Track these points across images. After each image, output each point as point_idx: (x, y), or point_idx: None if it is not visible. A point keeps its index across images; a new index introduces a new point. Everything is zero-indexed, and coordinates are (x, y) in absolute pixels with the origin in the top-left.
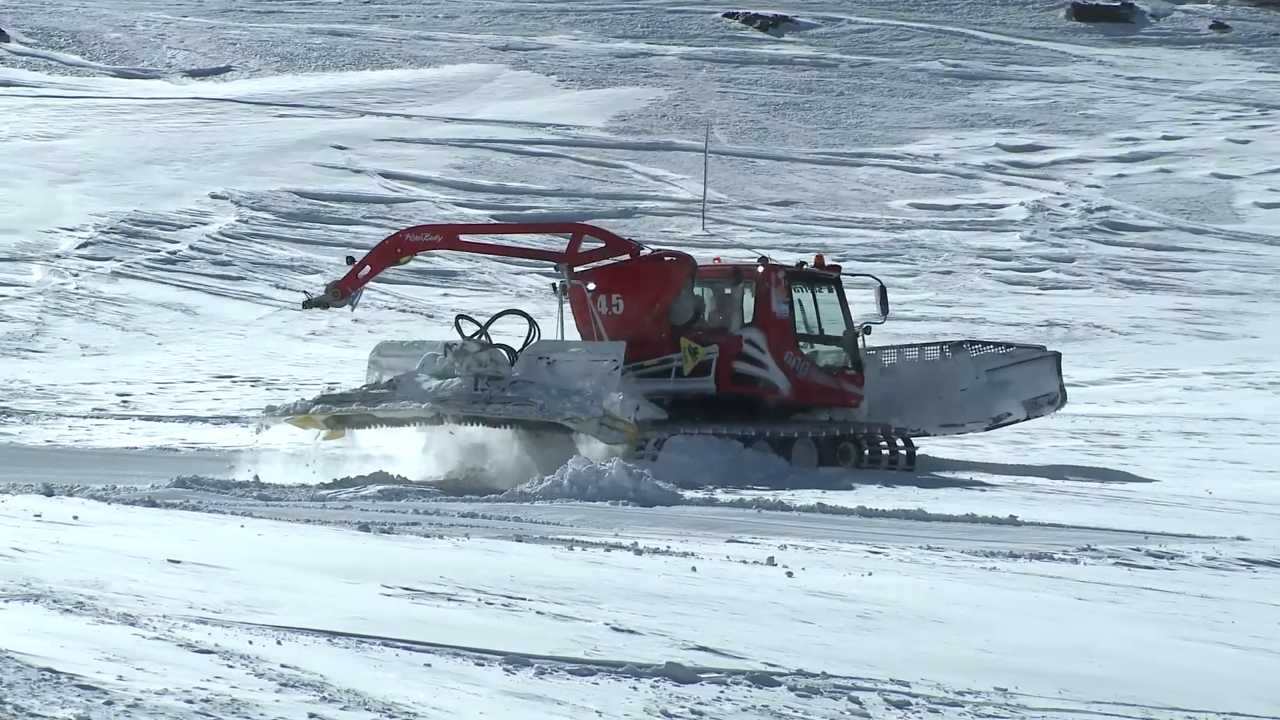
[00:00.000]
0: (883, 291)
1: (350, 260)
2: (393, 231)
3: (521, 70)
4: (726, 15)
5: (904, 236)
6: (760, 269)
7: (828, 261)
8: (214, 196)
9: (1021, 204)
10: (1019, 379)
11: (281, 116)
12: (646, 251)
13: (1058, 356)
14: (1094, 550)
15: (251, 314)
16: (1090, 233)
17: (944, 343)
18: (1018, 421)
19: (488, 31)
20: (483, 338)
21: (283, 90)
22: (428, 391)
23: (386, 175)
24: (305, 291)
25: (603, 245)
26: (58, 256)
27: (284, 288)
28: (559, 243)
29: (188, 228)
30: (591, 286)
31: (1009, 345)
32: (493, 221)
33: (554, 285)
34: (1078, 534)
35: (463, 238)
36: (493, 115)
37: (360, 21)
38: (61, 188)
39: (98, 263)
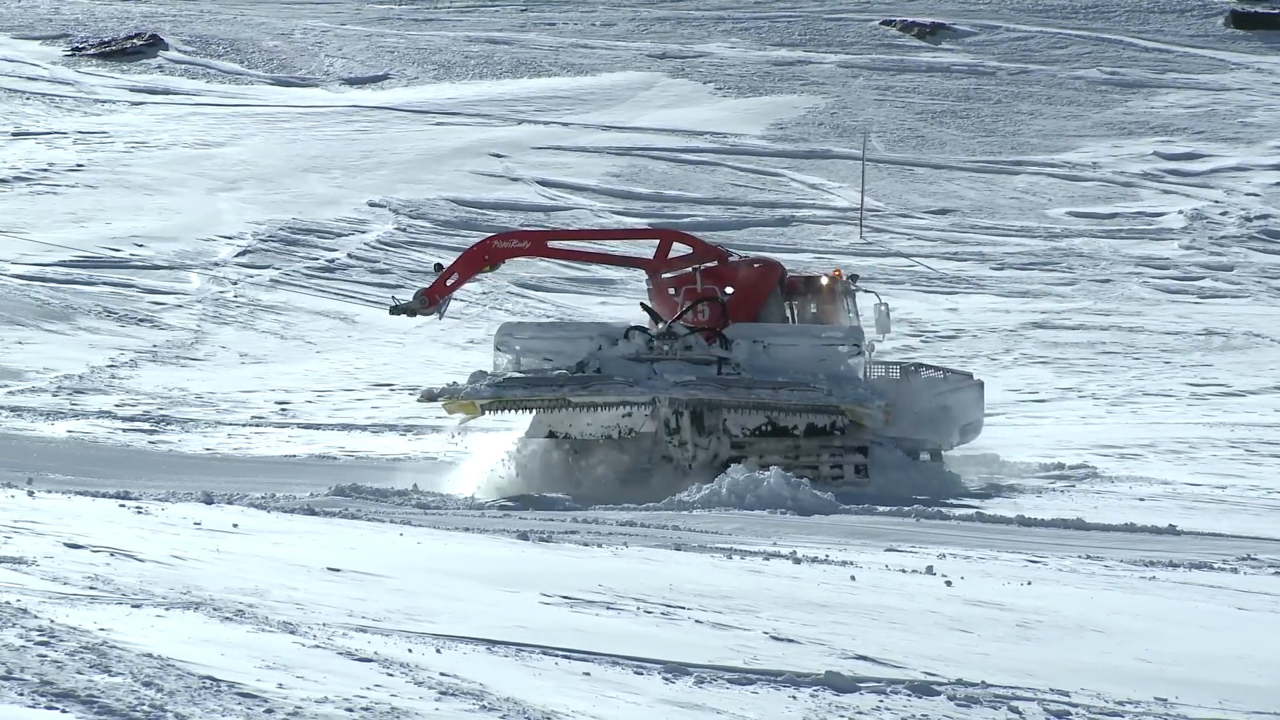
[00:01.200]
0: (884, 310)
1: (438, 267)
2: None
3: (679, 78)
4: (884, 23)
5: (1062, 245)
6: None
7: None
8: (371, 204)
9: (1180, 212)
10: (956, 406)
11: (439, 124)
12: (734, 258)
13: (982, 385)
14: (1254, 560)
15: (409, 322)
16: (1249, 241)
17: (900, 363)
18: (948, 449)
19: (645, 39)
20: (674, 323)
21: (440, 98)
22: (652, 375)
23: (544, 183)
24: (394, 298)
25: (693, 251)
26: (216, 264)
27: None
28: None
29: (345, 236)
30: (730, 290)
31: (946, 371)
32: (592, 228)
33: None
34: (1237, 543)
35: (551, 244)
36: (650, 123)
37: (518, 30)
38: (220, 196)
39: (256, 271)
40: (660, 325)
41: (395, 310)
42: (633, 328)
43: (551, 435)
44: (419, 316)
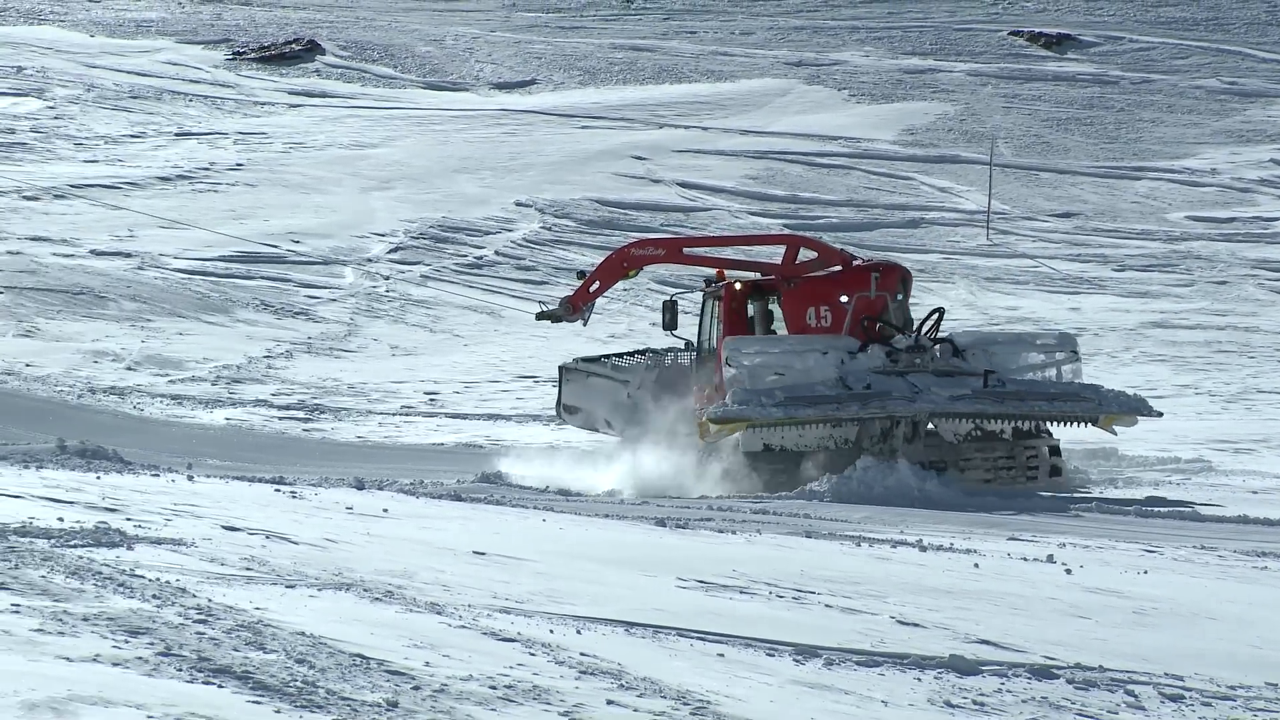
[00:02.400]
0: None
1: (580, 275)
2: (629, 241)
3: (814, 85)
4: (1012, 33)
5: (1180, 248)
6: None
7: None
8: (518, 204)
9: None
10: None
11: (583, 128)
12: (858, 262)
13: None
14: None
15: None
16: None
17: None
18: None
19: (782, 48)
20: (918, 336)
21: (585, 103)
22: (914, 389)
23: (684, 185)
24: (541, 303)
25: (818, 256)
26: (369, 260)
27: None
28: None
29: (493, 234)
30: (844, 299)
31: None
32: (724, 234)
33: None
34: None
35: (685, 251)
36: (786, 128)
37: (660, 37)
38: (373, 195)
39: (407, 267)
40: (901, 337)
41: (541, 316)
42: (866, 342)
43: (767, 449)
44: (564, 322)
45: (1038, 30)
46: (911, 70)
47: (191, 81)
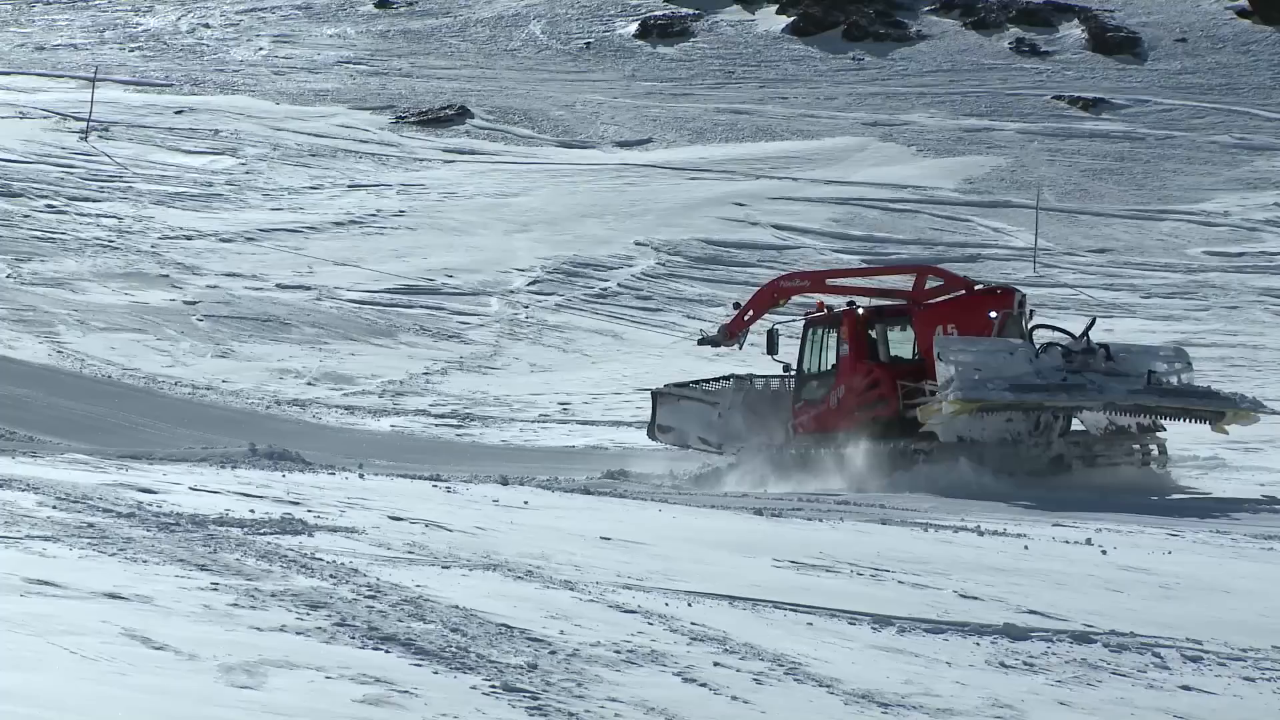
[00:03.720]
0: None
1: (736, 305)
2: (777, 275)
3: (887, 142)
4: (1054, 98)
5: (1198, 278)
6: None
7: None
8: (637, 244)
9: None
10: None
11: (692, 179)
12: (979, 287)
13: None
14: None
15: (667, 339)
16: None
17: None
18: None
19: (860, 110)
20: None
21: (693, 158)
22: (1097, 386)
23: (777, 226)
24: (701, 330)
25: (942, 283)
26: (511, 292)
27: (693, 318)
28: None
29: (616, 269)
30: (994, 314)
31: None
32: (857, 265)
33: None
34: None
35: (828, 281)
36: (863, 179)
37: (756, 103)
38: (515, 236)
39: (543, 297)
40: (1074, 340)
41: (702, 341)
42: (1047, 344)
43: (960, 440)
44: (721, 347)
45: (1076, 95)
46: (969, 129)
47: (361, 141)
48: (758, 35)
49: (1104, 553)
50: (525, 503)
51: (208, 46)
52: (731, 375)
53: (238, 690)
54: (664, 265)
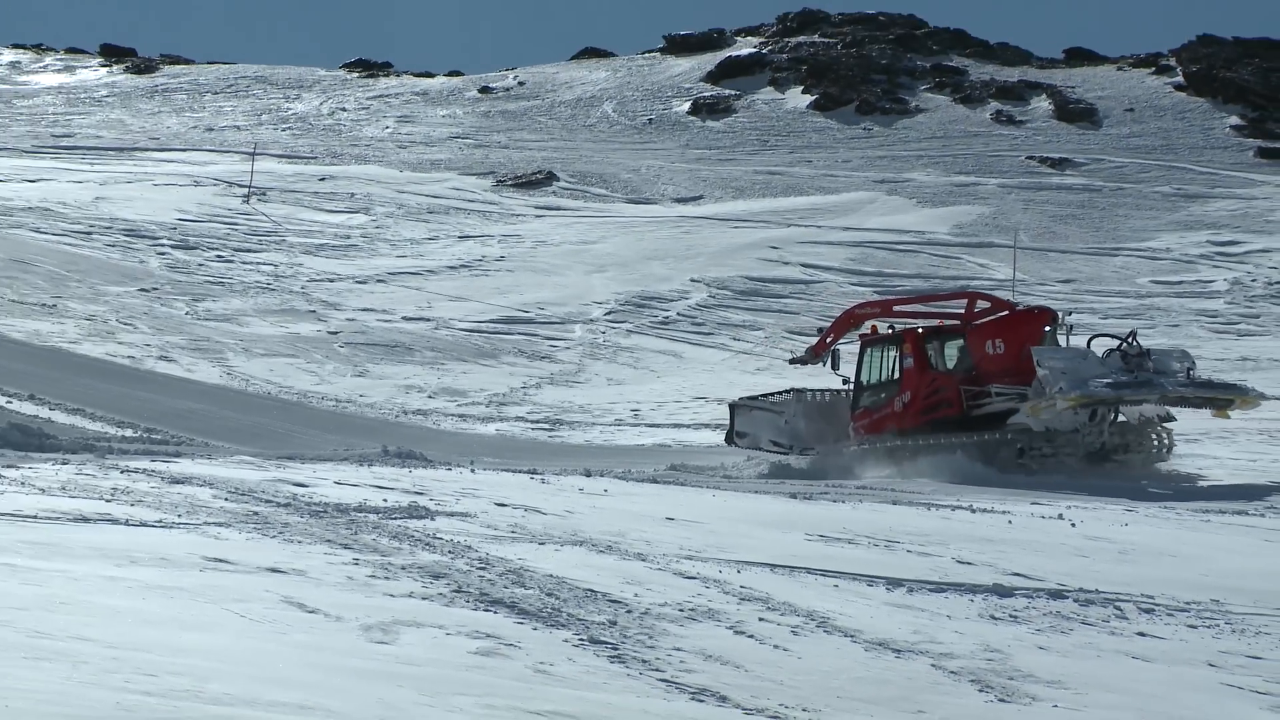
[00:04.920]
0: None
1: (819, 330)
2: (846, 306)
3: (893, 196)
4: (1028, 158)
5: (1146, 303)
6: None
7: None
8: (692, 280)
9: (1224, 280)
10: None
11: (735, 228)
12: (1020, 308)
13: None
14: (1275, 508)
15: (718, 357)
16: (1270, 299)
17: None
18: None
19: (870, 170)
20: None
21: (737, 211)
22: (1155, 381)
23: (805, 265)
24: (790, 352)
25: (989, 305)
26: (591, 320)
27: (738, 339)
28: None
29: (675, 301)
30: (1048, 328)
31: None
32: (902, 295)
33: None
34: (1265, 500)
35: (895, 307)
36: (874, 225)
37: (787, 165)
38: (593, 276)
39: (617, 324)
40: (1123, 345)
41: (793, 361)
42: (1110, 349)
43: (1047, 430)
44: (809, 365)
45: (1045, 155)
46: (959, 184)
47: (469, 201)
48: (787, 111)
49: (1073, 525)
50: (605, 491)
51: (344, 126)
52: (791, 388)
53: (375, 645)
54: (714, 297)
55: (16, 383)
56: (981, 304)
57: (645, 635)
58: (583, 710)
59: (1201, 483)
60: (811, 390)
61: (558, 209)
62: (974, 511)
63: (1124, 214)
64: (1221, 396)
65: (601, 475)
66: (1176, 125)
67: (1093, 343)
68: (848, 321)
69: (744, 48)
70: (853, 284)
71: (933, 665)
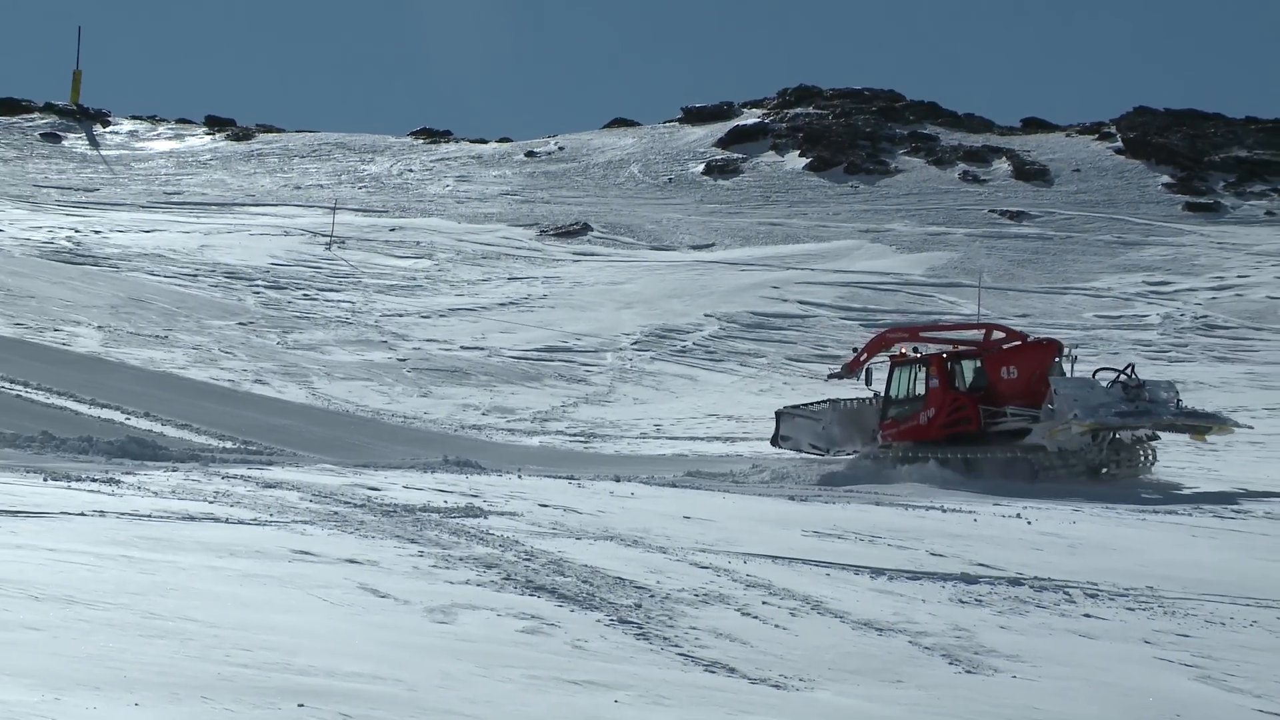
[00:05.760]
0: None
1: (854, 350)
2: (878, 331)
3: (876, 243)
4: (990, 211)
5: (1091, 334)
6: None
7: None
8: (705, 315)
9: (1157, 315)
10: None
11: (742, 271)
12: (1032, 337)
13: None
14: (1200, 506)
15: (727, 380)
16: (1196, 331)
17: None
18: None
19: (856, 222)
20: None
21: (743, 256)
22: (1150, 409)
23: (801, 302)
24: (829, 369)
25: (1004, 335)
26: (620, 349)
27: (745, 365)
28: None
29: (691, 333)
30: (1056, 358)
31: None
32: (946, 323)
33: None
34: (1191, 501)
35: (922, 333)
36: (860, 268)
37: (786, 217)
38: (622, 312)
39: (642, 352)
40: (1123, 377)
41: (830, 376)
42: (1112, 381)
43: (1060, 449)
44: (845, 380)
45: (1005, 209)
46: (932, 234)
47: (516, 248)
48: (786, 171)
49: (1029, 523)
50: (631, 494)
51: (411, 185)
52: (828, 398)
53: (438, 624)
54: (724, 330)
55: (134, 402)
56: (997, 334)
57: (666, 616)
58: (613, 680)
59: (1136, 488)
60: (845, 400)
61: (592, 255)
62: (944, 511)
63: (1072, 259)
64: (1202, 424)
65: (629, 481)
66: (1116, 183)
67: (1097, 374)
68: (880, 344)
69: (749, 118)
70: (842, 318)
71: (910, 642)
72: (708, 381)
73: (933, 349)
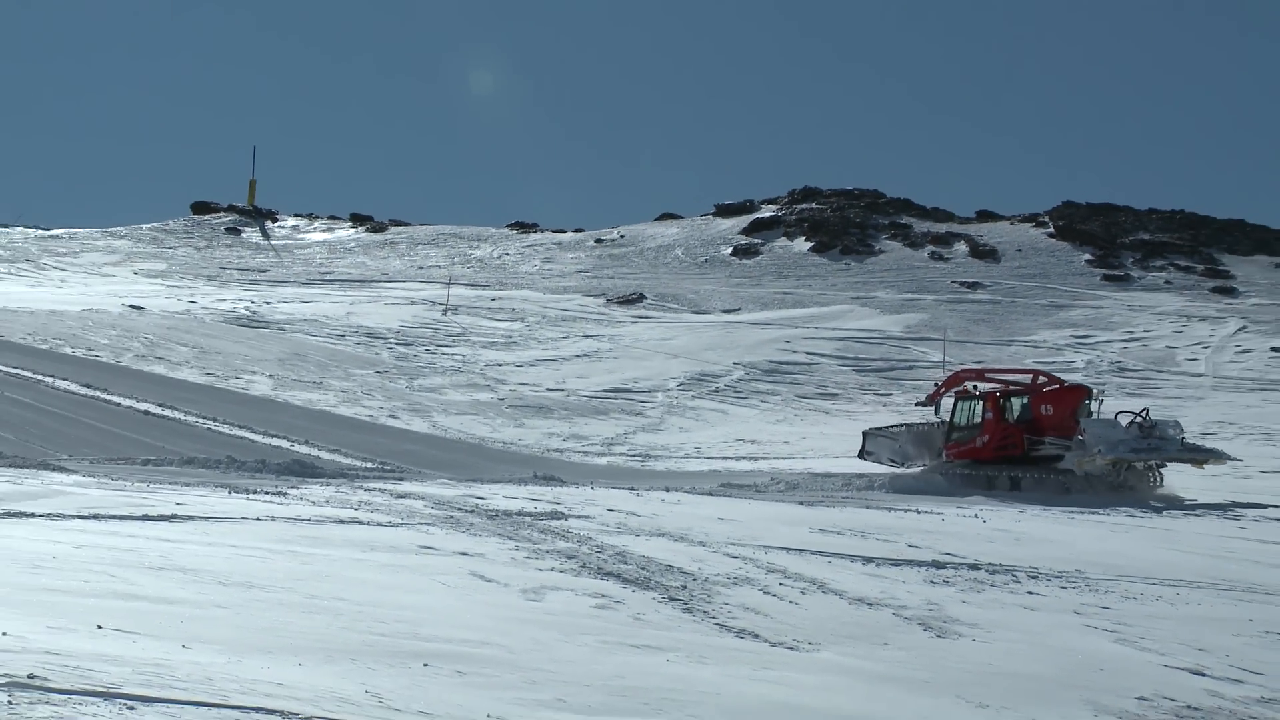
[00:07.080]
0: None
1: (935, 384)
2: (953, 371)
3: (865, 307)
4: (953, 282)
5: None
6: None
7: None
8: (734, 363)
9: (1082, 360)
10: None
11: (762, 329)
12: (1066, 384)
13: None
14: (1120, 508)
15: (751, 413)
16: (1113, 373)
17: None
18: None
19: (849, 291)
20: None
21: (762, 318)
22: (1160, 444)
23: (807, 352)
24: (918, 398)
25: (1046, 380)
26: (668, 390)
27: (765, 402)
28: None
29: (723, 377)
30: (1086, 400)
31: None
32: (1006, 368)
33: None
34: (1111, 505)
35: (986, 374)
36: (852, 327)
37: (794, 288)
38: (670, 361)
39: (685, 392)
40: (1138, 417)
41: (919, 404)
42: (1130, 421)
43: (1087, 475)
44: (926, 407)
45: (965, 280)
46: (907, 300)
47: (589, 312)
48: (795, 253)
49: (984, 521)
50: (678, 500)
51: (507, 264)
52: (903, 422)
53: (529, 602)
54: (748, 374)
55: (297, 433)
56: (1041, 379)
57: (705, 595)
58: (666, 644)
59: (1066, 494)
60: (918, 423)
61: (646, 317)
62: (919, 513)
63: (1016, 318)
64: (1201, 458)
65: (676, 490)
66: (1050, 260)
67: (1118, 415)
68: (954, 381)
69: (766, 211)
70: (839, 365)
71: (893, 614)
72: (736, 414)
73: (991, 387)
